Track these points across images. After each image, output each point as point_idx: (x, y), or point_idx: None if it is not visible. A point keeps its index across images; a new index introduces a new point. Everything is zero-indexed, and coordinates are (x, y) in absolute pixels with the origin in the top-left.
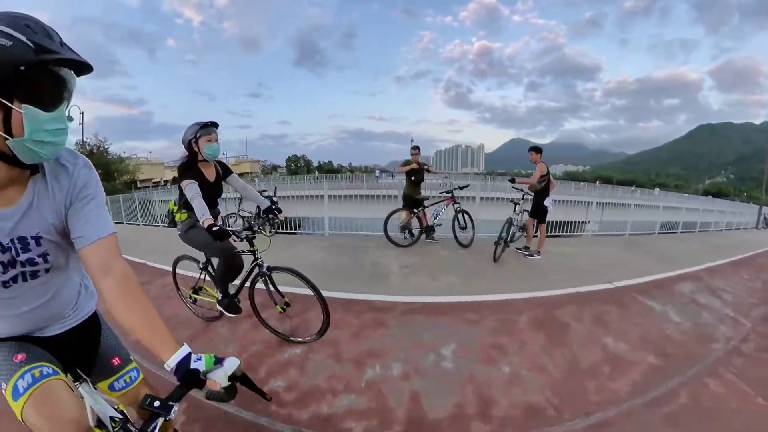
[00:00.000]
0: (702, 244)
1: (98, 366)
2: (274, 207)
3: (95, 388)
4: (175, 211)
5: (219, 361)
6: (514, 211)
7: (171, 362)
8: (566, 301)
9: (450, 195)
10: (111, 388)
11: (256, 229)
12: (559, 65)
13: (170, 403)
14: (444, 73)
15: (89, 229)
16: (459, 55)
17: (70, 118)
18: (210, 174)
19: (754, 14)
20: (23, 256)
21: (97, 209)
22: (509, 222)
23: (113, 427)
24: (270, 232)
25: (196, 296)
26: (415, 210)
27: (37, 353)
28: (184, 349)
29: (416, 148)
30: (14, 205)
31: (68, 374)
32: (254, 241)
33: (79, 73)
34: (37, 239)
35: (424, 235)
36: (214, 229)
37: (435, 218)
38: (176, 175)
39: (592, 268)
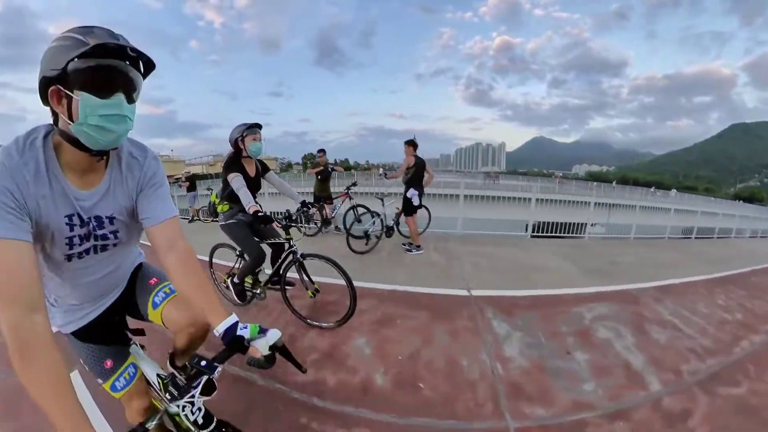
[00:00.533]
0: (686, 255)
1: (139, 293)
2: (307, 202)
3: (143, 349)
4: (217, 203)
5: (263, 331)
6: (382, 205)
7: (220, 328)
8: (367, 294)
9: (346, 192)
10: (154, 304)
11: (294, 218)
12: (583, 61)
13: (215, 363)
14: (464, 69)
15: (156, 211)
16: (479, 51)
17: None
18: (251, 170)
19: None
20: (98, 232)
21: (163, 195)
22: (376, 216)
23: (160, 383)
24: (310, 227)
25: (229, 281)
26: (316, 205)
27: (117, 354)
28: (232, 318)
29: (322, 150)
30: (94, 188)
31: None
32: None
33: (145, 74)
34: (111, 219)
35: (329, 227)
36: (260, 214)
37: (333, 212)
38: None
39: (466, 270)
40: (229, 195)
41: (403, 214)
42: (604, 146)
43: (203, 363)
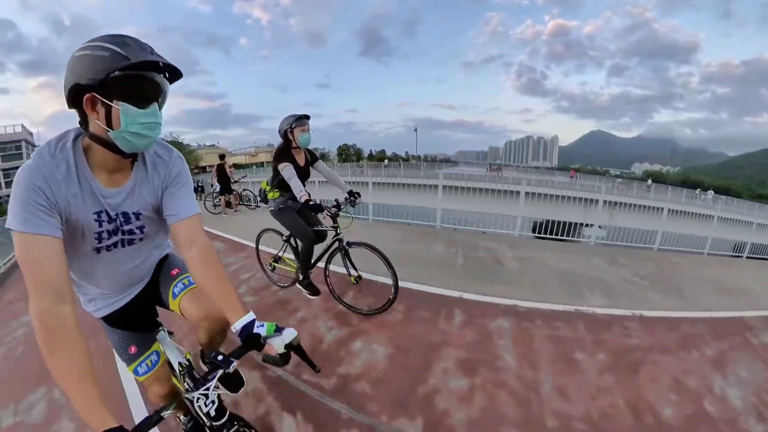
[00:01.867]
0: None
1: (162, 282)
2: (355, 192)
3: (170, 336)
4: (267, 190)
5: (279, 330)
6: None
7: (237, 325)
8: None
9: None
10: (173, 294)
11: (342, 207)
12: (647, 45)
13: (231, 358)
14: (515, 57)
15: (180, 209)
16: (531, 36)
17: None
18: (300, 159)
19: None
20: (125, 227)
21: (187, 192)
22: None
23: (180, 371)
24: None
25: (276, 264)
26: (226, 194)
27: (141, 341)
28: (250, 315)
29: (223, 156)
30: (121, 186)
31: (152, 327)
32: (338, 218)
33: (171, 80)
34: (137, 215)
35: (235, 209)
36: (311, 203)
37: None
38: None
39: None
40: (280, 183)
41: None
42: (670, 143)
43: (219, 357)
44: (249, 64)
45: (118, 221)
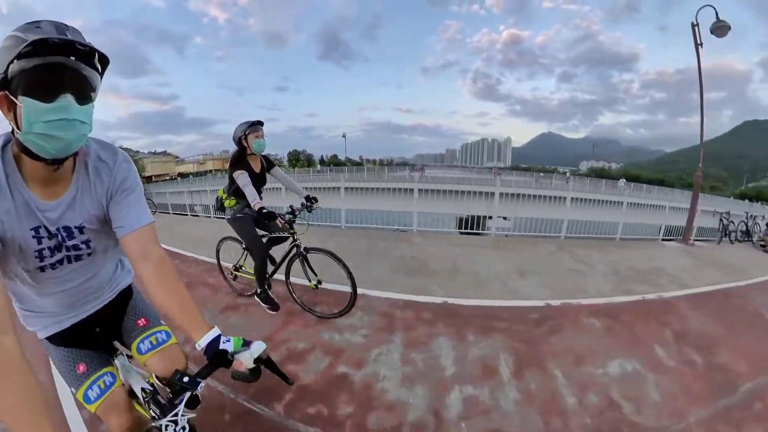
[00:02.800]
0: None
1: (125, 328)
2: (311, 197)
3: (129, 360)
4: (224, 198)
5: (246, 344)
6: None
7: (202, 342)
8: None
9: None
10: (138, 350)
11: (297, 214)
12: (593, 54)
13: (198, 379)
14: (472, 63)
15: (129, 219)
16: (487, 44)
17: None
18: (256, 166)
19: None
20: (69, 242)
21: (136, 200)
22: None
23: (144, 398)
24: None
25: (237, 273)
26: None
27: (92, 359)
28: (215, 331)
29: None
30: (59, 198)
31: (108, 350)
32: (294, 225)
33: (101, 68)
34: (80, 228)
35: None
36: (264, 211)
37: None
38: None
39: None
40: (236, 191)
41: None
42: (614, 142)
43: (186, 379)
44: (204, 64)
45: (60, 237)
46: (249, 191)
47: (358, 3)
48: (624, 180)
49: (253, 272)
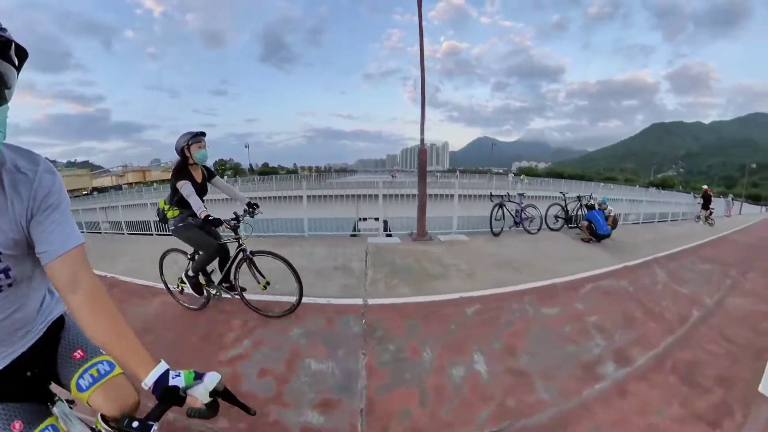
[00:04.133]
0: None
1: (61, 365)
2: (252, 203)
3: (70, 405)
4: (166, 209)
5: (199, 377)
6: None
7: (148, 380)
8: None
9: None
10: (78, 387)
11: (241, 219)
12: (525, 66)
13: (149, 422)
14: (412, 71)
15: (54, 243)
16: (427, 54)
17: None
18: (198, 176)
19: (708, 24)
20: None
21: (61, 218)
22: None
23: None
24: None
25: (184, 286)
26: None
27: (28, 413)
28: (162, 366)
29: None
30: None
31: (45, 398)
32: (238, 230)
33: (19, 62)
34: None
35: None
36: (210, 218)
37: None
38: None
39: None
40: (179, 201)
41: None
42: (543, 145)
43: (135, 424)
44: (135, 61)
45: None
46: (194, 200)
47: (303, 5)
48: (512, 175)
49: (202, 282)
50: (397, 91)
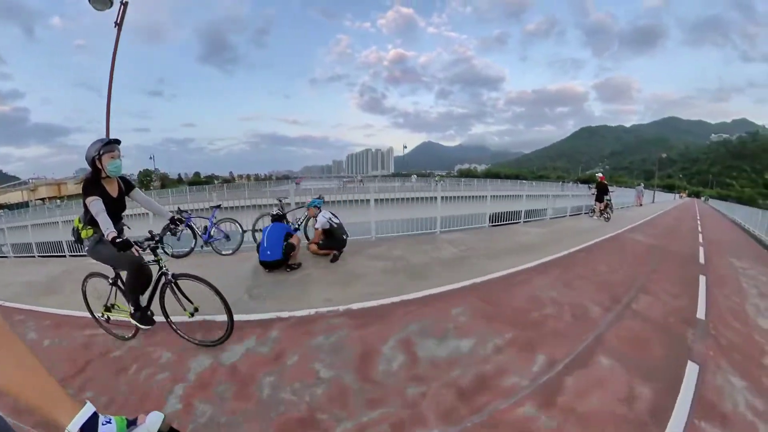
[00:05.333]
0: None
1: None
2: (177, 218)
3: None
4: (80, 228)
5: (132, 423)
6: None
7: (72, 428)
8: None
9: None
10: None
11: (157, 239)
12: (467, 75)
13: None
14: (359, 77)
15: None
16: (374, 60)
17: None
18: (113, 190)
19: (630, 43)
20: None
21: None
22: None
23: None
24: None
25: (109, 314)
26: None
27: None
28: (87, 409)
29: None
30: None
31: None
32: (158, 251)
33: None
34: None
35: None
36: (118, 241)
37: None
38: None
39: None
40: (92, 219)
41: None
42: (484, 148)
43: None
44: (60, 53)
45: None
46: (102, 219)
47: (251, 4)
48: (416, 176)
49: (126, 309)
50: (343, 96)
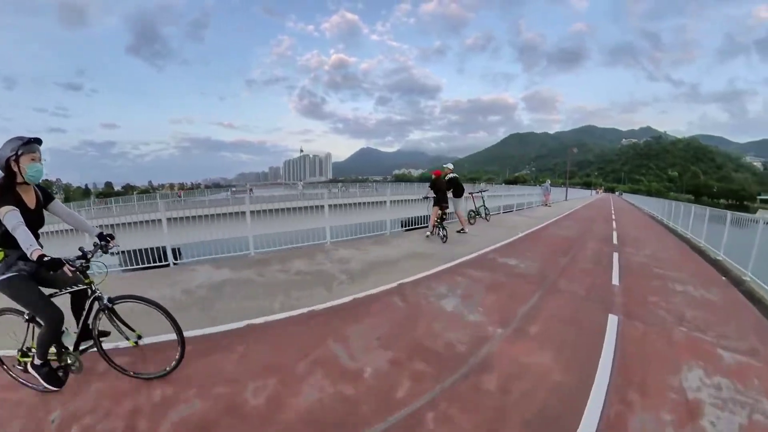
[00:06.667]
0: None
1: None
2: (106, 234)
3: None
4: None
5: None
6: None
7: None
8: None
9: None
10: None
11: (90, 257)
12: (407, 84)
13: None
14: (299, 81)
15: None
16: (316, 64)
17: None
18: (30, 200)
19: (557, 62)
20: None
21: None
22: None
23: None
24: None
25: (25, 359)
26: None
27: None
28: None
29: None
30: None
31: None
32: (88, 272)
33: None
34: None
35: None
36: (46, 259)
37: None
38: None
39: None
40: (3, 237)
41: None
42: (421, 154)
43: None
44: None
45: None
46: (21, 234)
47: None
48: (302, 184)
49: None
50: (281, 100)
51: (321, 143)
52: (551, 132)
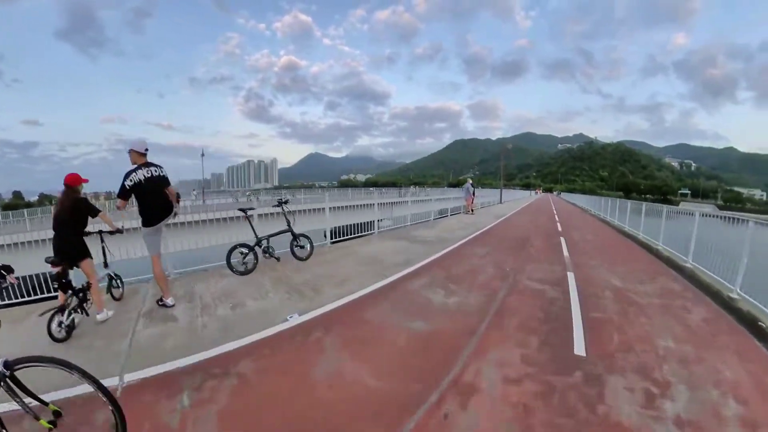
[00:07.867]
0: None
1: None
2: (3, 265)
3: None
4: None
5: None
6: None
7: None
8: None
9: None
10: None
11: None
12: (356, 89)
13: None
14: (246, 82)
15: None
16: (265, 65)
17: None
18: None
19: (500, 73)
20: None
21: None
22: None
23: None
24: None
25: None
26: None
27: None
28: None
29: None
30: None
31: None
32: None
33: None
34: None
35: None
36: None
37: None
38: None
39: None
40: None
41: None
42: (369, 159)
43: None
44: None
45: None
46: None
47: None
48: (248, 193)
49: None
50: (226, 101)
51: (267, 148)
52: (493, 138)
